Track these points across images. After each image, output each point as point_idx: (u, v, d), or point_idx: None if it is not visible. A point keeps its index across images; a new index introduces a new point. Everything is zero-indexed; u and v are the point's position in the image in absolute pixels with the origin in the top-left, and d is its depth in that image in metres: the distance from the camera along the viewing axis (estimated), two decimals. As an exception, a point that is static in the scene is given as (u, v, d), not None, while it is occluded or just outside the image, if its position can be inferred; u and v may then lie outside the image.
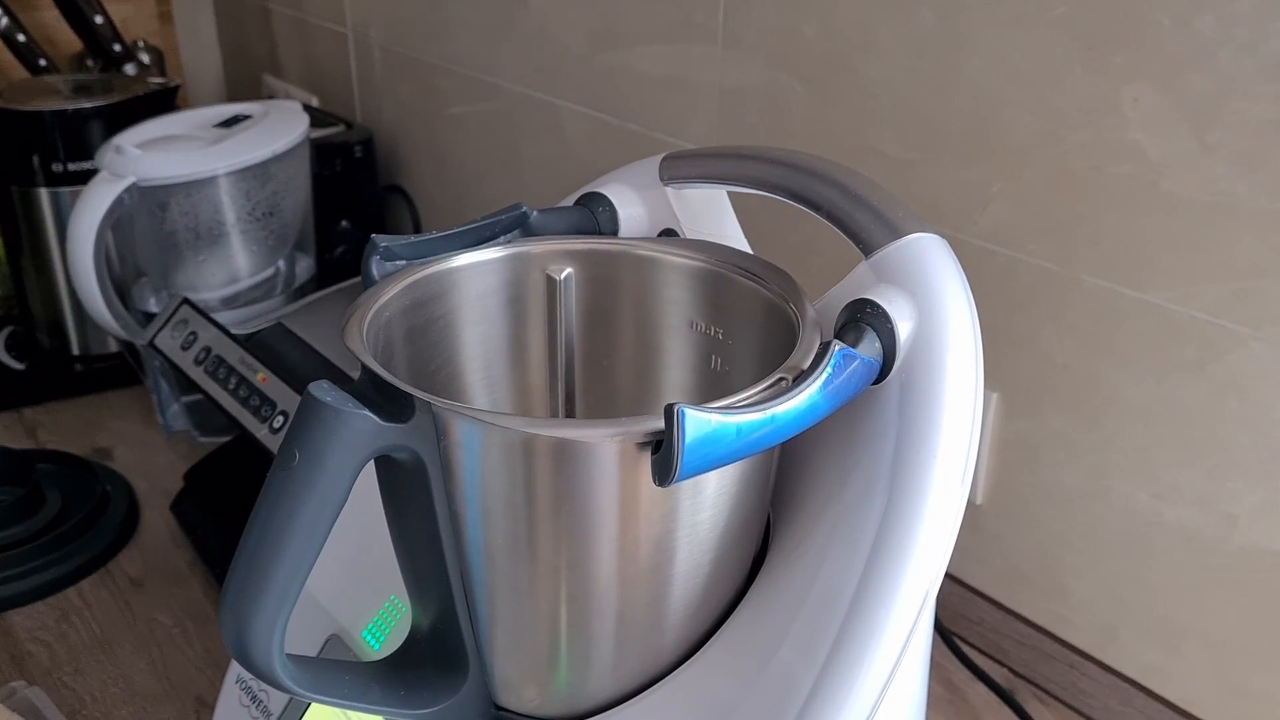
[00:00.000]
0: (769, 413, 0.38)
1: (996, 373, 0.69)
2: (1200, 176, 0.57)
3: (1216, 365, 0.59)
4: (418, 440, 0.40)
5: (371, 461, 0.41)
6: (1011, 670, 0.72)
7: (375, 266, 0.49)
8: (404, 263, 0.49)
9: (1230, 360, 0.58)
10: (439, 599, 0.45)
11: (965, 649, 0.73)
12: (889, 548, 0.42)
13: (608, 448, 0.39)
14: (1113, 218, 0.61)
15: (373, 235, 0.49)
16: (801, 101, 0.76)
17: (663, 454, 0.36)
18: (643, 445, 0.38)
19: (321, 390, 0.39)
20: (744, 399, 0.39)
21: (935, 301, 0.43)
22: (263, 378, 0.75)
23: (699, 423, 0.36)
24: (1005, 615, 0.73)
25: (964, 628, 0.75)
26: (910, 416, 0.42)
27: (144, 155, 0.87)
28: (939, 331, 0.43)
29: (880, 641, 0.41)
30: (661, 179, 0.54)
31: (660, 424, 0.37)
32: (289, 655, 0.42)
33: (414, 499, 0.42)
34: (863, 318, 0.43)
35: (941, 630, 0.73)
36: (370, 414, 0.39)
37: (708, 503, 0.42)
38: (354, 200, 1.18)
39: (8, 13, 1.21)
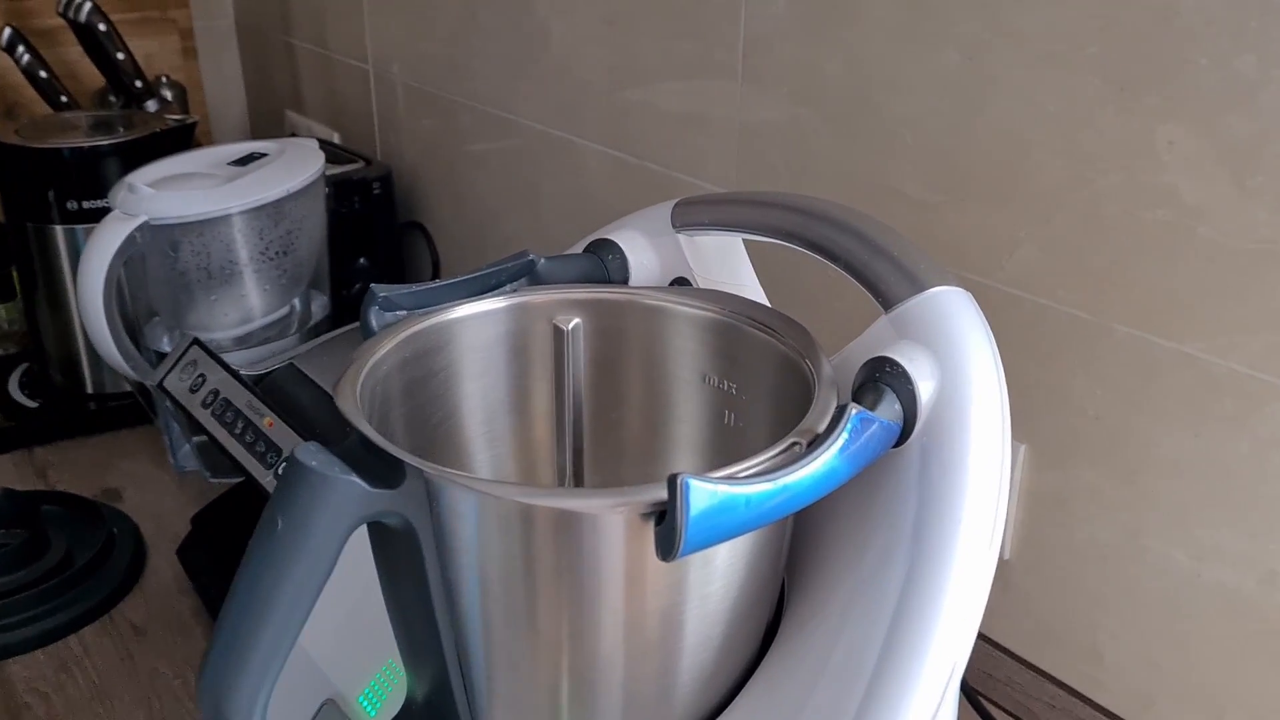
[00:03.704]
0: (780, 482, 0.36)
1: (1025, 424, 0.66)
2: (1240, 222, 0.55)
3: (1257, 420, 0.56)
4: (409, 507, 0.38)
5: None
6: (1042, 735, 0.69)
7: (374, 317, 0.47)
8: (404, 313, 0.48)
9: (1271, 414, 0.56)
10: (434, 669, 0.42)
11: (992, 710, 0.69)
12: (912, 620, 0.39)
13: (609, 519, 0.36)
14: (1147, 265, 0.59)
15: (371, 285, 0.47)
16: (823, 141, 0.74)
17: (666, 527, 0.34)
18: (647, 515, 0.36)
19: (307, 454, 0.37)
20: (753, 466, 0.37)
21: (959, 361, 0.41)
22: (269, 422, 0.74)
23: (704, 494, 0.34)
24: (1035, 676, 0.70)
25: (991, 688, 0.71)
26: (932, 483, 0.40)
27: (156, 194, 0.86)
28: (963, 393, 0.40)
29: (905, 717, 0.39)
30: (674, 225, 0.52)
31: (664, 493, 0.35)
32: (275, 728, 0.40)
33: (406, 566, 0.40)
34: (881, 377, 0.41)
35: (967, 690, 0.70)
36: (358, 479, 0.37)
37: (718, 573, 0.39)
38: (373, 237, 1.17)
39: (30, 49, 1.21)
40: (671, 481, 0.33)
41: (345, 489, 0.36)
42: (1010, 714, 0.70)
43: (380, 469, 0.38)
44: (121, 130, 1.04)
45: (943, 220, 0.68)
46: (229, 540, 0.84)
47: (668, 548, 0.34)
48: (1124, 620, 0.65)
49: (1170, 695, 0.64)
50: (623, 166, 0.92)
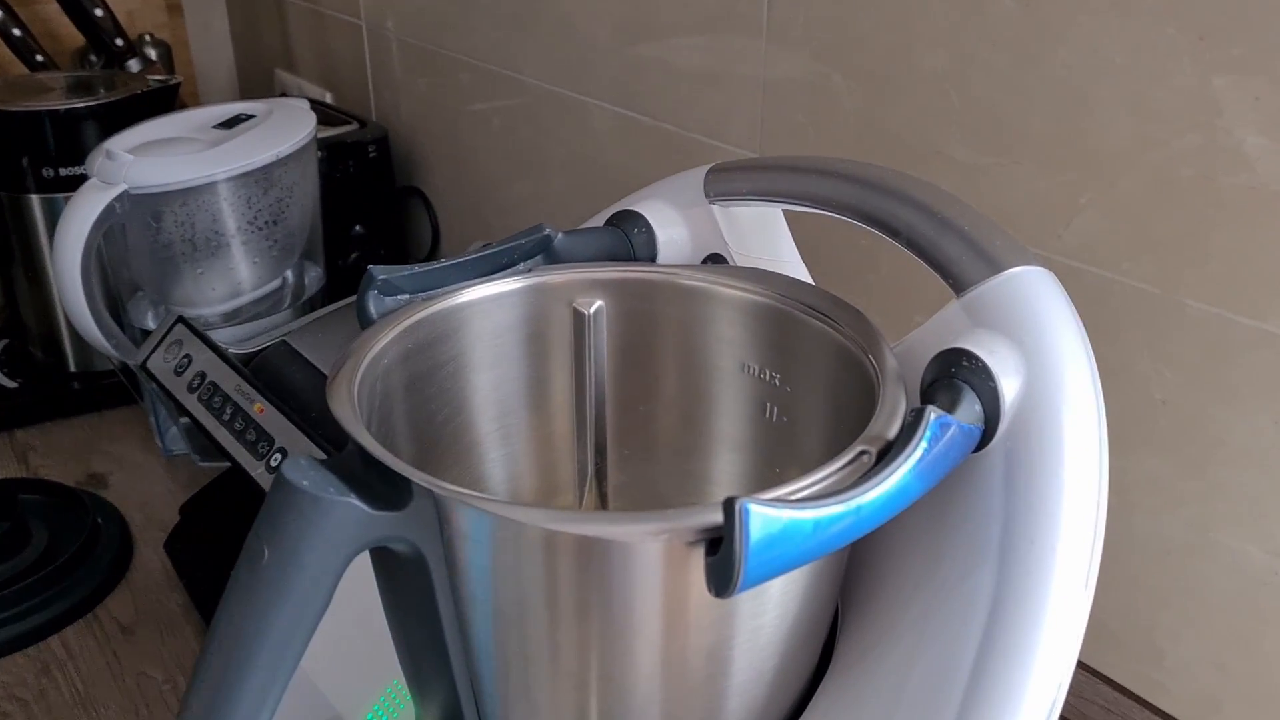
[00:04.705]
0: (852, 502, 0.30)
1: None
2: (1334, 188, 0.49)
3: (1348, 406, 0.51)
4: (416, 530, 0.32)
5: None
6: (1096, 739, 0.65)
7: (373, 303, 0.42)
8: (406, 297, 0.42)
9: (1365, 400, 0.50)
10: (444, 707, 0.37)
11: (1042, 714, 0.65)
12: (1002, 653, 0.34)
13: (647, 546, 0.31)
14: (1225, 235, 0.53)
15: (369, 267, 0.42)
16: (856, 99, 0.68)
17: (721, 560, 0.29)
18: (693, 543, 0.31)
19: (296, 471, 0.31)
20: (816, 482, 0.32)
21: (1047, 353, 0.35)
22: (260, 408, 0.68)
23: (766, 521, 0.28)
24: (1089, 677, 0.65)
25: (1040, 689, 0.67)
26: (1019, 496, 0.35)
27: (136, 160, 0.80)
28: (1053, 391, 0.35)
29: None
30: (707, 195, 0.46)
31: (714, 517, 0.30)
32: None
33: (413, 594, 0.35)
34: (958, 373, 0.35)
35: (1015, 692, 0.65)
36: (357, 501, 0.32)
37: (773, 601, 0.34)
38: (368, 203, 1.11)
39: (3, 6, 1.14)
40: (728, 506, 0.28)
41: (342, 513, 0.31)
42: (1062, 718, 0.65)
43: (382, 486, 0.32)
44: (101, 92, 0.98)
45: (992, 185, 0.62)
46: (220, 531, 0.79)
47: (724, 582, 0.29)
48: (1188, 620, 0.60)
49: (1239, 700, 0.59)
50: (635, 127, 0.86)
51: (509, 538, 0.32)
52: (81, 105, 0.93)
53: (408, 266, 0.42)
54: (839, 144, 0.70)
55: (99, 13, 1.15)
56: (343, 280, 1.03)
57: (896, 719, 0.36)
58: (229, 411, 0.70)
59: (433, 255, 1.18)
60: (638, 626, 0.33)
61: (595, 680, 0.34)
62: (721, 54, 0.76)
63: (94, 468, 0.91)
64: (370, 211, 1.11)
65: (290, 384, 0.75)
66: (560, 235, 0.45)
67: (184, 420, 0.89)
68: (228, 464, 0.85)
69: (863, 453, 0.33)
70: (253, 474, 0.66)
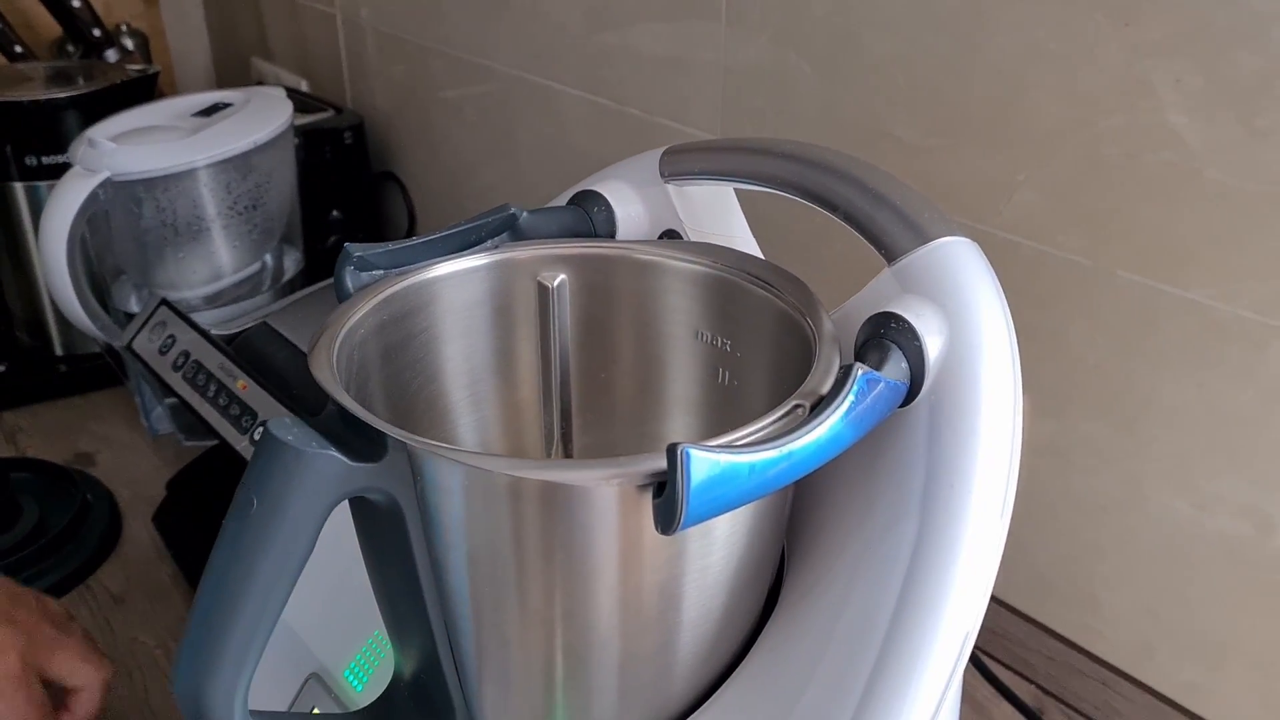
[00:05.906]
0: (785, 448, 0.33)
1: (1021, 372, 0.64)
2: (1248, 164, 0.53)
3: (1263, 367, 0.55)
4: (391, 481, 0.36)
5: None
6: (1039, 687, 0.68)
7: (349, 278, 0.45)
8: (381, 273, 0.45)
9: (1279, 362, 0.54)
10: (421, 647, 0.41)
11: (989, 664, 0.69)
12: (923, 587, 0.38)
13: (603, 491, 0.34)
14: (1150, 208, 0.57)
15: (345, 244, 0.45)
16: (810, 84, 0.72)
17: (665, 500, 0.32)
18: (643, 487, 0.34)
19: (281, 428, 0.34)
20: (755, 432, 0.35)
21: (968, 315, 0.39)
22: (243, 385, 0.71)
23: (706, 464, 0.32)
24: (1032, 628, 0.69)
25: (988, 641, 0.70)
26: (941, 445, 0.38)
27: (118, 148, 0.83)
28: (973, 349, 0.38)
29: (918, 690, 0.37)
30: (662, 175, 0.49)
31: (661, 463, 0.33)
32: (255, 712, 0.38)
33: (390, 542, 0.38)
34: (887, 334, 0.39)
35: (965, 644, 0.69)
36: (337, 454, 0.35)
37: (719, 542, 0.38)
38: (345, 189, 1.14)
39: (-19, -2, 1.16)
40: (671, 451, 0.31)
41: (324, 465, 0.34)
42: (1007, 666, 0.69)
43: (360, 442, 0.35)
44: (80, 82, 1.00)
45: (937, 164, 0.65)
46: (206, 505, 0.82)
47: (668, 521, 0.32)
48: (1123, 571, 0.64)
49: (1171, 644, 0.63)
50: (602, 113, 0.89)
51: (477, 485, 0.35)
52: (63, 95, 0.96)
53: (382, 244, 0.45)
54: (796, 127, 0.74)
55: (76, 3, 1.16)
56: (321, 264, 1.06)
57: (829, 653, 0.39)
58: (213, 388, 0.72)
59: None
60: (597, 566, 0.36)
61: (560, 617, 0.37)
62: (684, 40, 0.80)
63: (81, 447, 0.93)
64: (347, 196, 1.13)
65: (272, 363, 0.78)
66: (525, 214, 0.48)
67: (169, 400, 0.92)
68: (213, 442, 0.88)
69: (797, 406, 0.36)
70: (237, 448, 0.69)
